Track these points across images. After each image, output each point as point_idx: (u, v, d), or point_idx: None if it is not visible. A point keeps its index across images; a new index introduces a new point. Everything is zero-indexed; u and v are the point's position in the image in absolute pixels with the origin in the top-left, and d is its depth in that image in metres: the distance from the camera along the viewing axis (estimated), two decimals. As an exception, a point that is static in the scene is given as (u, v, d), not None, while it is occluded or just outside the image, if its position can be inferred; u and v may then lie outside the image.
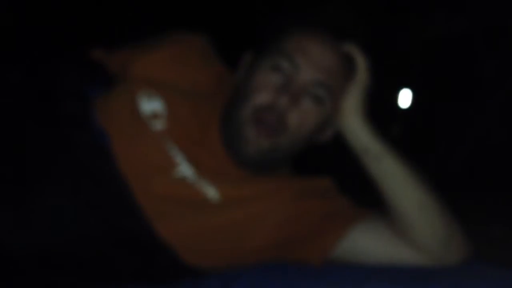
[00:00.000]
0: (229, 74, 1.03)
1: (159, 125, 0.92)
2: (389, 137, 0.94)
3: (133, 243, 0.87)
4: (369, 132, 0.92)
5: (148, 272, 0.89)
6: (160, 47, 1.00)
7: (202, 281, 0.90)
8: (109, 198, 0.86)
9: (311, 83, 0.91)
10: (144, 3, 2.65)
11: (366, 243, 0.90)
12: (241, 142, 0.91)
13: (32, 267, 0.83)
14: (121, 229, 0.86)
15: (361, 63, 0.93)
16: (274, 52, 0.93)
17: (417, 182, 0.90)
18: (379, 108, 1.10)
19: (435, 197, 0.90)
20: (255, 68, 0.94)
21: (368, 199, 0.94)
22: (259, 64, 0.94)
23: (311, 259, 0.90)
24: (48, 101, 0.93)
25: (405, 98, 4.15)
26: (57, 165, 0.86)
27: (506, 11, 3.28)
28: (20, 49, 1.06)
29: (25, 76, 0.97)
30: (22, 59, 1.02)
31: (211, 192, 0.90)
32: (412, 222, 0.88)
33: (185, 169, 0.90)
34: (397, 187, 0.90)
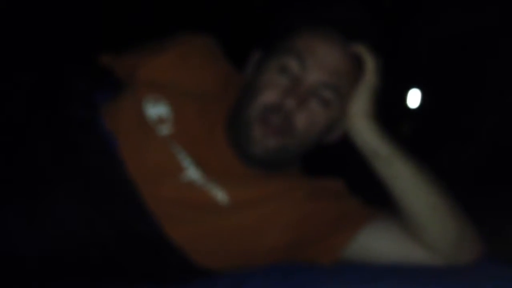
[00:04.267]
0: (236, 74, 1.03)
1: (165, 130, 0.92)
2: (398, 138, 0.92)
3: (144, 246, 0.87)
4: (378, 135, 0.91)
5: (159, 274, 0.89)
6: (166, 50, 0.99)
7: (213, 281, 0.90)
8: (119, 202, 0.87)
9: (319, 85, 0.90)
10: (150, 5, 2.65)
11: (377, 243, 0.89)
12: (248, 142, 0.90)
13: (44, 271, 0.84)
14: (131, 233, 0.87)
15: (370, 64, 0.91)
16: (283, 51, 0.92)
17: (428, 184, 0.88)
18: (388, 108, 1.09)
19: (446, 198, 0.88)
20: (263, 67, 0.94)
21: (378, 198, 0.93)
22: (267, 64, 0.93)
23: (322, 259, 0.90)
24: (57, 106, 0.93)
25: (414, 98, 4.13)
26: (66, 170, 0.87)
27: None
28: (29, 54, 1.07)
29: (34, 81, 0.97)
30: (31, 64, 1.02)
31: (219, 195, 0.90)
32: (424, 223, 0.87)
33: (192, 173, 0.90)
34: (408, 189, 0.89)
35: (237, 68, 1.04)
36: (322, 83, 0.90)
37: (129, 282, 0.88)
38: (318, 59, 0.90)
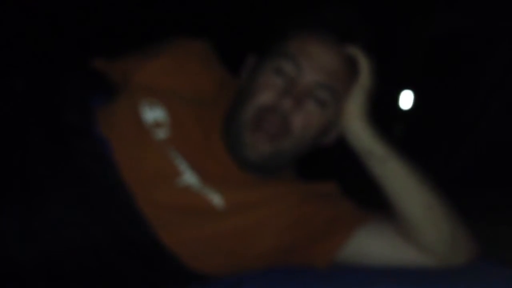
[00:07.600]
0: (232, 79, 1.03)
1: (162, 134, 0.92)
2: (392, 139, 0.93)
3: (138, 252, 0.87)
4: (372, 135, 0.91)
5: (153, 279, 0.89)
6: (161, 54, 1.00)
7: (208, 286, 0.89)
8: (113, 207, 0.86)
9: (314, 86, 0.90)
10: (146, 10, 2.65)
11: (372, 245, 0.89)
12: (241, 147, 0.91)
13: (37, 278, 0.83)
14: (125, 238, 0.86)
15: (364, 66, 0.92)
16: (277, 55, 0.92)
17: (421, 184, 0.89)
18: (382, 109, 1.10)
19: (440, 198, 0.89)
20: (258, 70, 0.94)
21: (373, 201, 0.93)
22: (262, 67, 0.93)
23: (316, 263, 0.90)
24: (51, 111, 0.93)
25: (407, 99, 4.15)
26: (60, 175, 0.86)
27: (508, 10, 3.28)
28: (23, 59, 1.07)
29: (28, 85, 0.97)
30: (25, 68, 1.02)
31: (216, 199, 0.90)
32: (418, 223, 0.88)
33: (189, 177, 0.90)
34: (402, 189, 0.89)
35: (232, 73, 1.04)
36: (318, 84, 0.90)
37: (124, 287, 0.88)
38: (313, 61, 0.91)
